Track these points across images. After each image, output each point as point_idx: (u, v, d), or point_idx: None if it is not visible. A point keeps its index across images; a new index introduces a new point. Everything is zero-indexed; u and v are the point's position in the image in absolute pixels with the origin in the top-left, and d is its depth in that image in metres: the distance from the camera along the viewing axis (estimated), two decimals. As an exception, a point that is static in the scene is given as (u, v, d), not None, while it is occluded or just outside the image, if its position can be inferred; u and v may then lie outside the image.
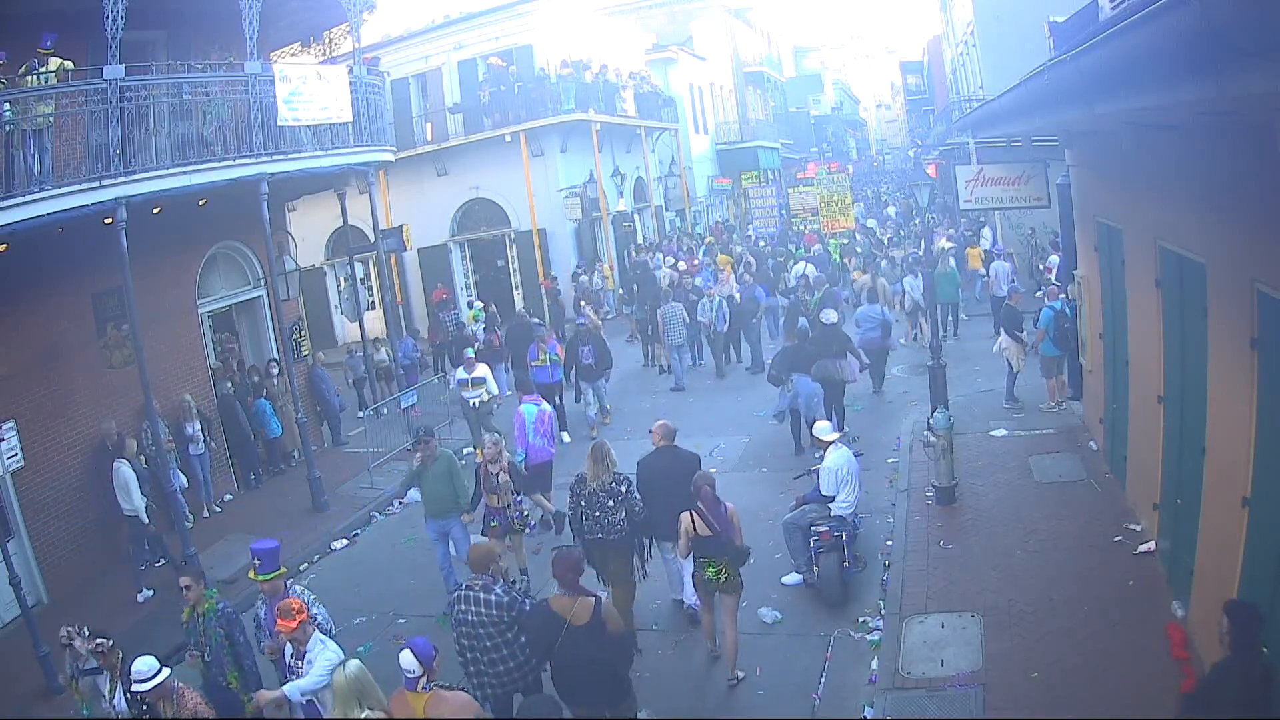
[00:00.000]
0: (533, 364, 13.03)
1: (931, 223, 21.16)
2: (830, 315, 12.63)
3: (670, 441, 7.94)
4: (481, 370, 12.61)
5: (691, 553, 6.92)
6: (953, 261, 17.75)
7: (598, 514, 7.30)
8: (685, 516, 6.84)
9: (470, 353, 13.44)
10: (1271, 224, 4.59)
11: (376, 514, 11.24)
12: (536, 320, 15.59)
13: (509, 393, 14.30)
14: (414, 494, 12.14)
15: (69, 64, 9.66)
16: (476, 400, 12.53)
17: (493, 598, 5.79)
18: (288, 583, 6.53)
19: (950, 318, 17.60)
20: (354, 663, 5.20)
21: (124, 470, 10.23)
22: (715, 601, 7.06)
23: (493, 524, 8.63)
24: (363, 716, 4.84)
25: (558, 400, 13.08)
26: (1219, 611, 4.43)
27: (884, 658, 7.03)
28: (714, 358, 16.40)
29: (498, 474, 8.55)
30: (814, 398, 11.56)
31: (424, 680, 5.06)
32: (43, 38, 9.38)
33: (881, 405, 13.70)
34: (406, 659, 5.07)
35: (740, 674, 7.03)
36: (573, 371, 13.85)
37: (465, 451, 12.78)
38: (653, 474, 7.73)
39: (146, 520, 10.28)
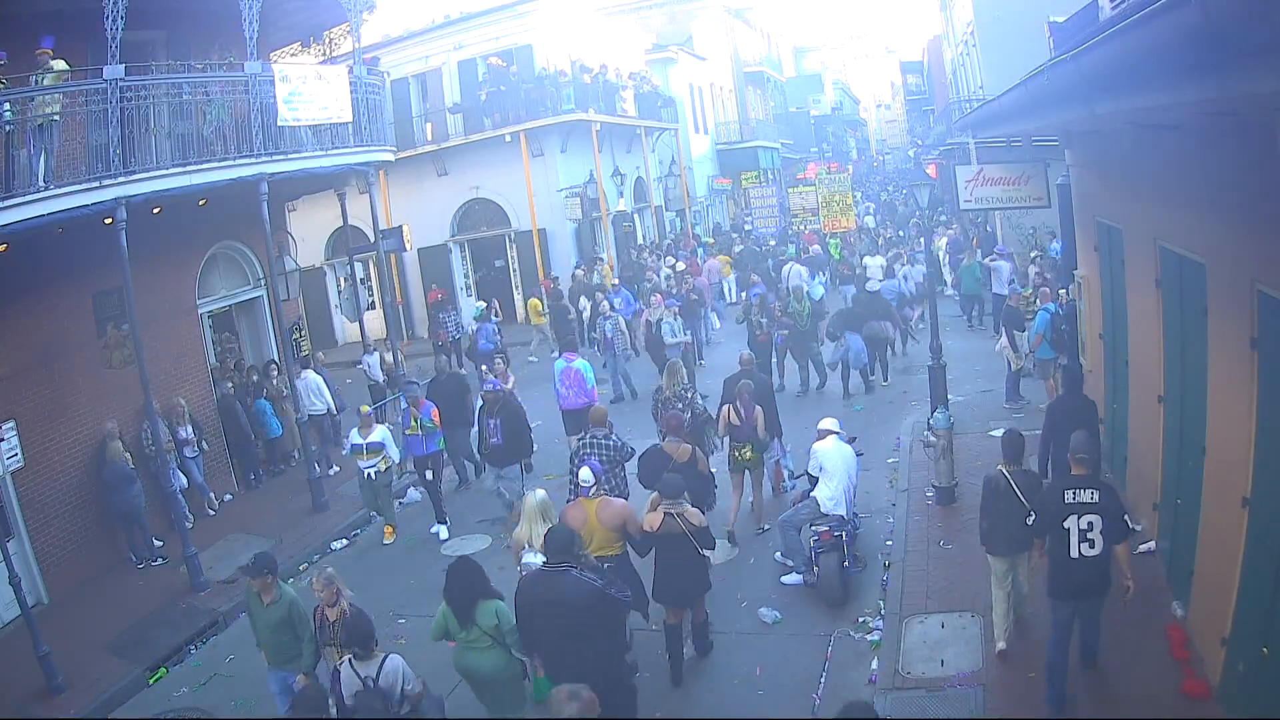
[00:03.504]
0: (405, 432, 11.01)
1: (934, 222, 21.20)
2: (874, 284, 15.11)
3: (751, 366, 10.52)
4: (379, 433, 10.66)
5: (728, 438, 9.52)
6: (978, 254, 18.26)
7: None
8: (726, 408, 9.49)
9: (367, 409, 11.11)
10: (1271, 224, 4.58)
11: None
12: (412, 381, 12.38)
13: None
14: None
15: (63, 65, 9.56)
16: (373, 471, 10.60)
17: (610, 442, 8.54)
18: None
19: (976, 310, 18.10)
20: (540, 490, 6.99)
21: (311, 378, 12.95)
22: (744, 479, 9.55)
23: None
24: (546, 530, 6.27)
25: (429, 475, 10.99)
26: (1219, 611, 4.47)
27: (884, 658, 7.03)
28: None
29: (335, 622, 6.32)
30: (861, 353, 14.04)
31: (595, 489, 6.99)
32: (40, 40, 9.37)
33: (881, 405, 13.70)
34: (585, 473, 7.00)
35: (765, 526, 9.38)
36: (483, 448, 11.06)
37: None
38: (732, 386, 9.86)
39: (336, 412, 12.74)
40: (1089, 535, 5.78)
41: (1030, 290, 14.19)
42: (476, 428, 11.16)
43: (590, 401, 11.92)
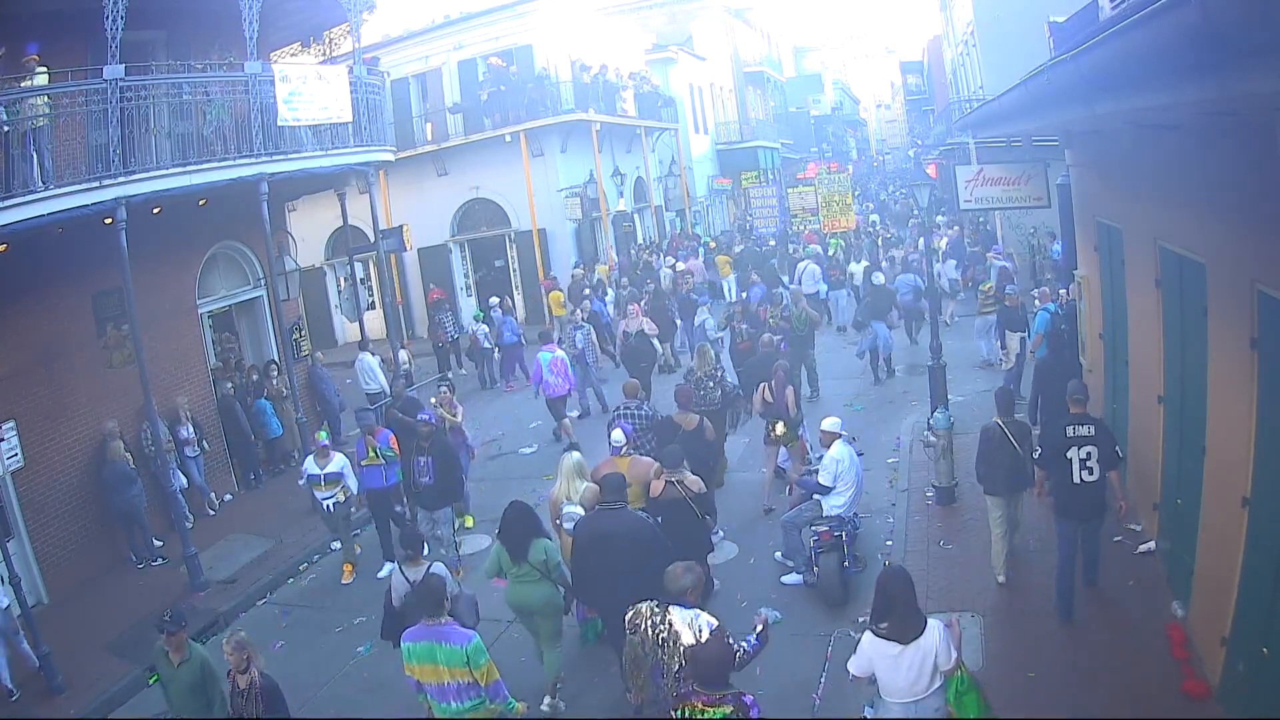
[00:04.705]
0: (361, 463, 9.96)
1: (933, 223, 21.21)
2: (879, 277, 15.99)
3: (774, 348, 11.49)
4: (338, 462, 9.78)
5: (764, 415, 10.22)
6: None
7: (702, 392, 10.33)
8: (761, 387, 10.20)
9: (324, 438, 10.12)
10: (1271, 224, 4.58)
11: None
12: (366, 408, 11.76)
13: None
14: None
15: (44, 72, 9.49)
16: (332, 502, 9.76)
17: (642, 411, 9.52)
18: None
19: None
20: (575, 453, 7.80)
21: (366, 359, 14.53)
22: (776, 453, 10.22)
23: None
24: (583, 486, 7.27)
25: (402, 510, 10.18)
26: (1219, 611, 4.48)
27: (884, 658, 7.02)
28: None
29: (245, 691, 5.83)
30: (888, 340, 14.94)
31: (625, 449, 7.91)
32: (26, 48, 9.34)
33: (881, 405, 13.70)
34: (617, 435, 8.02)
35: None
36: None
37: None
38: (755, 370, 11.02)
39: (388, 391, 13.16)
40: (1088, 464, 6.78)
41: (990, 284, 15.12)
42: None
43: (573, 387, 13.40)
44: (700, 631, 4.99)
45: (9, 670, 8.02)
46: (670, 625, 5.07)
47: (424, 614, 5.58)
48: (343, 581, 9.93)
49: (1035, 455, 7.31)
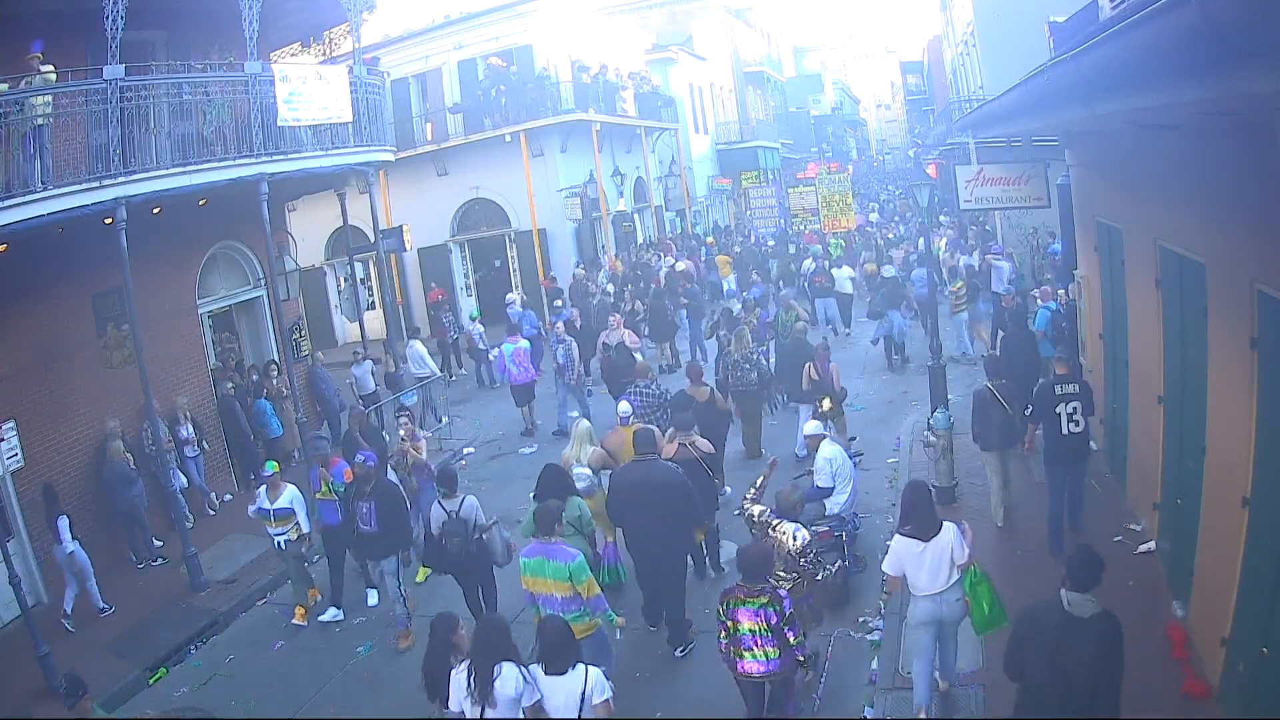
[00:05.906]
0: (315, 495, 9.25)
1: (936, 222, 21.22)
2: (890, 270, 17.00)
3: (803, 335, 12.22)
4: (287, 496, 8.94)
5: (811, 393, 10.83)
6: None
7: (738, 374, 11.21)
8: (808, 366, 10.93)
9: (271, 468, 9.18)
10: (1271, 224, 4.58)
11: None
12: (320, 436, 11.09)
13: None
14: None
15: (51, 69, 9.51)
16: (283, 540, 8.98)
17: (652, 389, 10.08)
18: None
19: None
20: (586, 421, 9.19)
21: (416, 347, 15.24)
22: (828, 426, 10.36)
23: None
24: (593, 448, 8.39)
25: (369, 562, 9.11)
26: (1219, 611, 4.48)
27: (884, 658, 7.03)
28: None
29: None
30: (904, 328, 15.69)
31: (631, 419, 8.69)
32: (32, 45, 9.35)
33: (881, 405, 13.70)
34: (624, 406, 9.01)
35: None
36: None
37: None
38: (787, 354, 11.83)
39: (440, 373, 15.05)
40: (1074, 417, 7.90)
41: (960, 282, 15.60)
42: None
43: (535, 376, 14.10)
44: (795, 540, 6.33)
45: (72, 604, 9.26)
46: (777, 532, 6.39)
47: (540, 532, 6.48)
48: (293, 622, 9.13)
49: (1027, 413, 8.34)
